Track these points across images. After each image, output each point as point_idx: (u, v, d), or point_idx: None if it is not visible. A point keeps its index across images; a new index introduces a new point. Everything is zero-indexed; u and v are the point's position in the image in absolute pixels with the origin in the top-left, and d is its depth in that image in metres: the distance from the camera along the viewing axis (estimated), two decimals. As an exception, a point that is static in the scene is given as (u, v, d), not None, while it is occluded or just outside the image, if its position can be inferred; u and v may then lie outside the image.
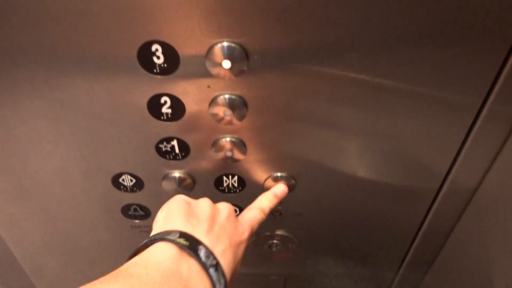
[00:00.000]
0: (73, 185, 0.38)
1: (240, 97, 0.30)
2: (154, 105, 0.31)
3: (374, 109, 0.31)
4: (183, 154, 0.35)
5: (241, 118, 0.31)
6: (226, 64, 0.28)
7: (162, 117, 0.32)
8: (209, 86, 0.30)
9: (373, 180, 0.37)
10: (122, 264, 0.24)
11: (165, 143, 0.34)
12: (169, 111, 0.31)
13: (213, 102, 0.31)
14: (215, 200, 0.39)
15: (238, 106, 0.31)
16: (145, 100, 0.31)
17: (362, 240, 0.44)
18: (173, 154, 0.35)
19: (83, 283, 0.21)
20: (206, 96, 0.30)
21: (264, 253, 0.45)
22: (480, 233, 0.38)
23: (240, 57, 0.27)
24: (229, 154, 0.34)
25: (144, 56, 0.28)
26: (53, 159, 0.35)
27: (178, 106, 0.31)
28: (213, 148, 0.34)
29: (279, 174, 0.36)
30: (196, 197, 0.39)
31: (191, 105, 0.31)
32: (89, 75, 0.30)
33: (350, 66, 0.29)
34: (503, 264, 0.35)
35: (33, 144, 0.34)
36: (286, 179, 0.36)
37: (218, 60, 0.28)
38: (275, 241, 0.43)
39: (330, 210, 0.40)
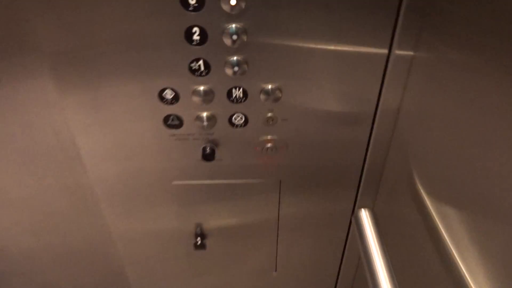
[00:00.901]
0: (130, 99, 0.56)
1: (243, 26, 0.49)
2: (188, 34, 0.49)
3: (321, 60, 0.50)
4: (206, 71, 0.53)
5: (243, 41, 0.49)
6: (232, 0, 0.46)
7: (193, 42, 0.50)
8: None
9: (327, 108, 0.56)
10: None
11: (195, 62, 0.52)
12: (198, 38, 0.50)
13: (225, 30, 0.49)
14: (227, 110, 0.57)
15: (241, 32, 0.49)
16: (182, 30, 0.49)
17: (324, 157, 0.62)
18: (200, 71, 0.53)
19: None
20: (221, 26, 0.49)
21: (260, 159, 0.63)
22: (407, 146, 0.55)
23: (241, -3, 0.46)
24: (236, 69, 0.52)
25: (183, -2, 0.46)
26: (116, 76, 0.54)
27: (203, 34, 0.49)
28: (226, 67, 0.52)
29: (269, 86, 0.54)
30: (213, 106, 0.57)
31: (212, 33, 0.49)
32: (138, 14, 0.48)
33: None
34: (425, 173, 0.52)
35: (104, 67, 0.53)
36: (274, 89, 0.54)
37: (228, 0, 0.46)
38: (269, 145, 0.61)
39: (307, 117, 0.58)
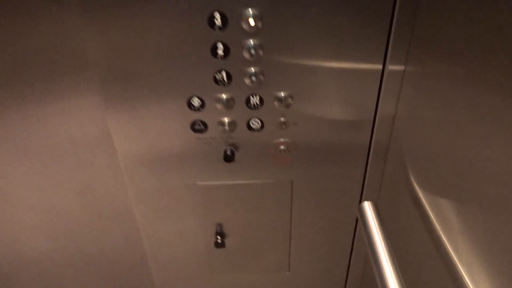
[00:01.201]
0: (162, 107, 0.65)
1: (260, 43, 0.58)
2: (213, 49, 0.59)
3: (326, 74, 0.59)
4: (228, 81, 0.62)
5: (260, 55, 0.58)
6: (251, 21, 0.55)
7: (217, 56, 0.59)
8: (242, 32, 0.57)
9: (332, 115, 0.64)
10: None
11: (218, 73, 0.61)
12: (222, 52, 0.59)
13: (244, 46, 0.58)
14: (245, 115, 0.65)
15: (258, 48, 0.58)
16: (209, 46, 0.59)
17: (331, 159, 0.70)
18: (223, 81, 0.62)
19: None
20: (241, 42, 0.58)
21: (273, 159, 0.71)
22: (403, 147, 0.63)
23: (258, 17, 0.55)
24: (253, 79, 0.61)
25: (210, 19, 0.56)
26: (152, 87, 0.63)
27: (226, 49, 0.59)
28: (245, 77, 0.61)
29: (282, 93, 0.63)
30: (234, 112, 0.66)
31: (233, 48, 0.59)
32: (172, 33, 0.58)
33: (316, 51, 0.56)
34: (419, 170, 0.59)
35: (142, 80, 0.62)
36: (286, 97, 0.63)
37: (247, 20, 0.55)
38: (282, 147, 0.69)
39: (316, 123, 0.66)
